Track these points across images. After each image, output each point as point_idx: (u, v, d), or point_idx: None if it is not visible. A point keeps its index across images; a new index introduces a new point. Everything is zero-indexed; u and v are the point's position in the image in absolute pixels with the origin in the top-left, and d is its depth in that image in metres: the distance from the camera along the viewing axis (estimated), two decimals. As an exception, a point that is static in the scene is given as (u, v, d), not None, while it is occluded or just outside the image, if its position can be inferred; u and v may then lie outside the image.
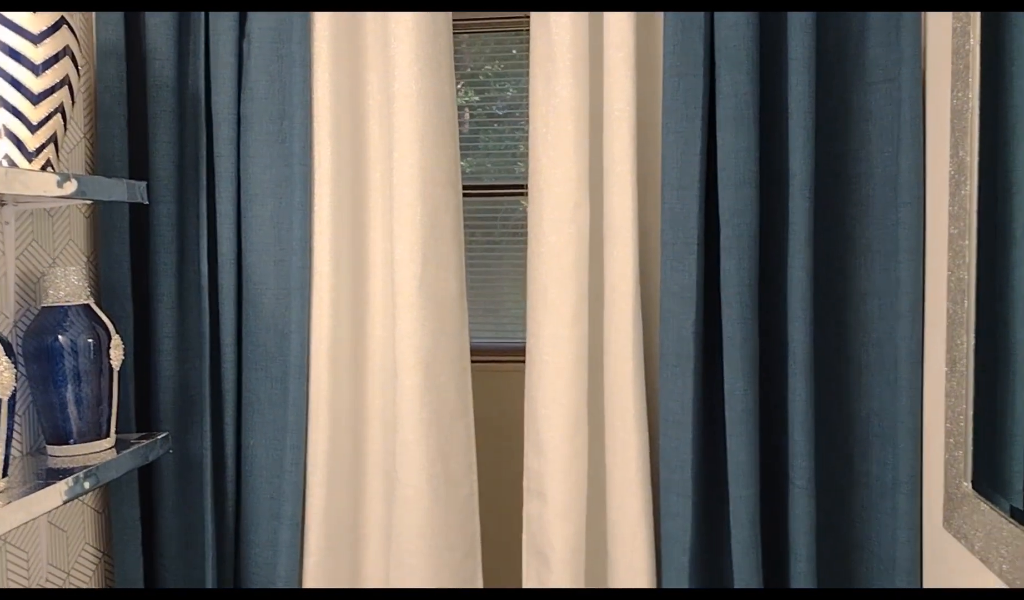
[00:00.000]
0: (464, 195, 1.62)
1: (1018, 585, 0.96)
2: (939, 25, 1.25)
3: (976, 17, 1.08)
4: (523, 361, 1.54)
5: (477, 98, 3.03)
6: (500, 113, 3.00)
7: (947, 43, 1.20)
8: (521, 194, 2.83)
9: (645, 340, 1.47)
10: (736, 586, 1.36)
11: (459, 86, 2.81)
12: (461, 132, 2.66)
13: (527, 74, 1.57)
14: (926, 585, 1.32)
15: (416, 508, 1.52)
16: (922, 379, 1.32)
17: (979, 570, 1.09)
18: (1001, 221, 1.04)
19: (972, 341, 1.10)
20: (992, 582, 1.05)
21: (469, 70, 3.03)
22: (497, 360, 2.20)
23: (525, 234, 1.54)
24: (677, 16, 1.36)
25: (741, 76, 1.33)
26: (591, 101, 1.46)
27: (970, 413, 1.10)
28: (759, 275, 1.37)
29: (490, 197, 2.77)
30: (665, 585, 1.42)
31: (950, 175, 1.17)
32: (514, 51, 3.01)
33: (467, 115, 3.05)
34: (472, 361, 1.61)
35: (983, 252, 1.09)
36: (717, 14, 1.34)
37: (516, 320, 2.21)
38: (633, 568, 1.46)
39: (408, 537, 1.53)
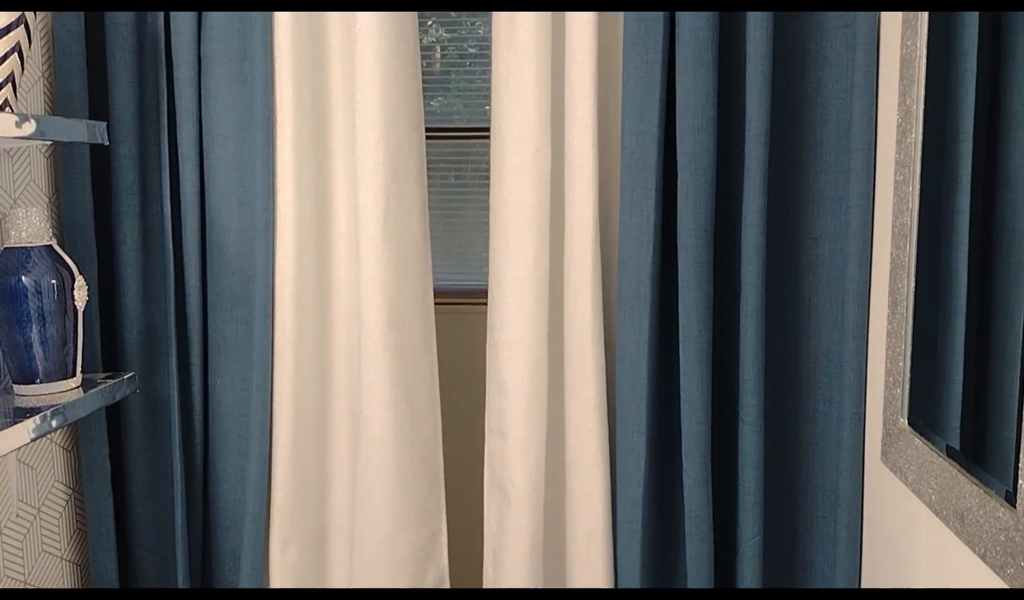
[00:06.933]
0: (434, 137, 1.62)
1: (943, 515, 1.02)
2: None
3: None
4: (487, 303, 1.57)
5: (448, 36, 2.99)
6: (472, 52, 2.96)
7: (900, -10, 1.22)
8: (489, 136, 2.81)
9: (604, 281, 1.50)
10: (687, 515, 1.42)
11: (429, 23, 2.78)
12: (432, 71, 2.64)
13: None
14: (866, 515, 1.38)
15: (381, 445, 1.56)
16: (868, 321, 1.36)
17: (912, 500, 1.15)
18: (944, 169, 1.07)
19: (912, 285, 1.15)
20: (923, 511, 1.11)
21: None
22: (463, 302, 2.23)
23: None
24: (638, -40, 1.36)
25: (700, 22, 1.34)
26: (553, 45, 1.47)
27: (908, 353, 1.15)
28: (715, 220, 1.40)
29: (460, 140, 2.76)
30: (620, 516, 1.48)
31: (897, 122, 1.19)
32: (484, -11, 2.96)
33: (438, 53, 3.02)
34: (438, 303, 1.64)
35: (925, 198, 1.12)
36: (677, -41, 1.35)
37: (484, 262, 2.23)
38: (589, 502, 1.52)
39: (374, 473, 1.57)
